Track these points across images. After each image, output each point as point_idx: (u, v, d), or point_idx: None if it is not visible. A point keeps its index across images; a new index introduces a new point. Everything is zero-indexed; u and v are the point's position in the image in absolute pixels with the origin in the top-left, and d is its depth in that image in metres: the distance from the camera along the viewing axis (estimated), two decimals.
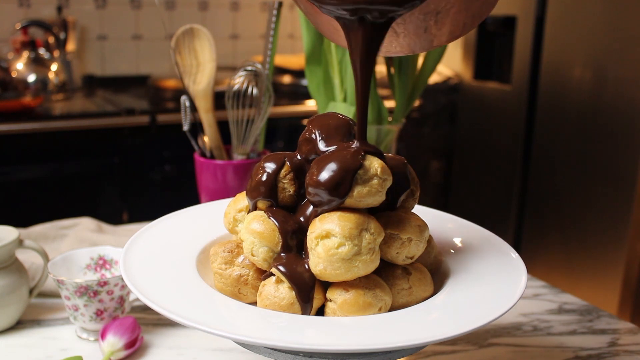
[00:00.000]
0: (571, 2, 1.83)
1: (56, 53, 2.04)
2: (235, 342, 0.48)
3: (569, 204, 1.89)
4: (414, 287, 0.54)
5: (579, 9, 1.80)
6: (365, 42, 0.50)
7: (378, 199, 0.50)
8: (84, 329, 0.73)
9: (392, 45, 0.58)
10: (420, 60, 0.92)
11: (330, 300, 0.51)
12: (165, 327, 0.76)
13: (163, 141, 1.82)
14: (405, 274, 0.54)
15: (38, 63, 1.98)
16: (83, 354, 0.69)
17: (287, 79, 2.15)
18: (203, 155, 0.93)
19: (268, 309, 0.50)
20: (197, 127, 0.93)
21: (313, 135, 0.54)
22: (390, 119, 0.91)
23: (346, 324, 0.48)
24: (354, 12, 0.48)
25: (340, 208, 0.51)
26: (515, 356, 0.73)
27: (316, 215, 0.51)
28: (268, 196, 0.54)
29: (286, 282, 0.51)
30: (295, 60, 2.20)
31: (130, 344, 0.69)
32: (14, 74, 1.95)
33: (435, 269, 0.59)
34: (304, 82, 2.03)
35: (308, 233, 0.51)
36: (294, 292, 0.50)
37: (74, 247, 0.91)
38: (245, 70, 0.90)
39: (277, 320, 0.48)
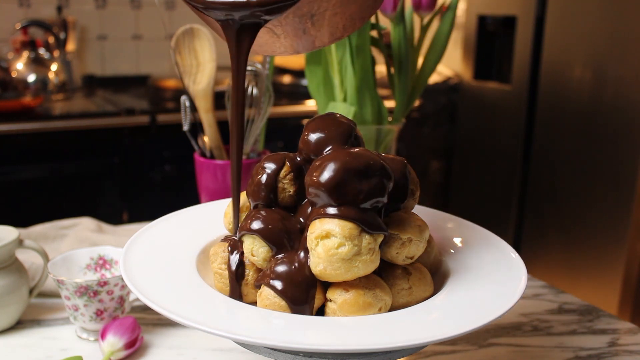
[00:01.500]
0: (571, 2, 1.83)
1: (56, 53, 2.04)
2: (235, 342, 0.48)
3: (569, 204, 1.89)
4: (414, 287, 0.54)
5: (579, 9, 1.80)
6: (238, 40, 0.55)
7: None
8: (84, 329, 0.73)
9: (276, 45, 0.60)
10: (420, 60, 0.92)
11: (330, 300, 0.51)
12: (165, 327, 0.76)
13: (163, 141, 1.82)
14: (405, 274, 0.54)
15: (38, 63, 1.98)
16: (83, 354, 0.69)
17: (287, 79, 2.15)
18: (203, 155, 0.93)
19: (268, 309, 0.51)
20: (197, 127, 0.93)
21: (313, 136, 0.54)
22: (390, 119, 0.91)
23: (346, 324, 0.48)
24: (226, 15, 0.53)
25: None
26: (515, 356, 0.73)
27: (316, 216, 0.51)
28: (268, 196, 0.54)
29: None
30: (295, 60, 2.20)
31: (130, 344, 0.69)
32: (14, 74, 1.95)
33: (435, 269, 0.59)
34: (304, 82, 2.03)
35: (308, 233, 0.51)
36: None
37: (74, 247, 0.91)
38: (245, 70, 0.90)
39: (277, 320, 0.48)
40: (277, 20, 0.53)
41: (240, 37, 0.54)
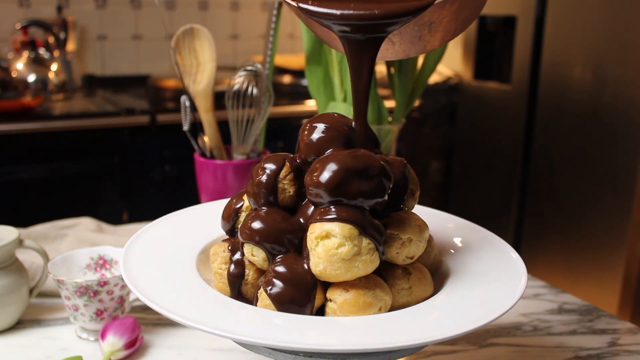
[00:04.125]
0: (571, 2, 1.83)
1: (56, 53, 2.04)
2: (235, 342, 0.48)
3: (569, 204, 1.89)
4: (414, 287, 0.54)
5: (579, 9, 1.80)
6: (363, 53, 0.54)
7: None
8: (84, 329, 0.73)
9: (388, 52, 0.61)
10: (420, 60, 0.92)
11: (330, 300, 0.51)
12: (165, 327, 0.76)
13: (163, 141, 1.82)
14: (405, 274, 0.54)
15: (38, 63, 1.98)
16: (83, 354, 0.69)
17: (287, 79, 2.15)
18: (203, 155, 0.93)
19: (268, 309, 0.51)
20: (197, 127, 0.93)
21: (313, 137, 0.54)
22: (390, 119, 0.91)
23: (346, 324, 0.48)
24: (356, 30, 0.52)
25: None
26: (515, 356, 0.73)
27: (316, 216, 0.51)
28: (268, 197, 0.54)
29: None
30: (295, 60, 2.20)
31: (130, 344, 0.69)
32: (14, 74, 1.95)
33: (435, 269, 0.59)
34: (304, 82, 2.03)
35: (308, 233, 0.51)
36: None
37: (74, 247, 0.91)
38: (245, 70, 0.90)
39: (277, 320, 0.48)
40: (397, 29, 0.54)
41: (363, 51, 0.54)
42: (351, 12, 0.51)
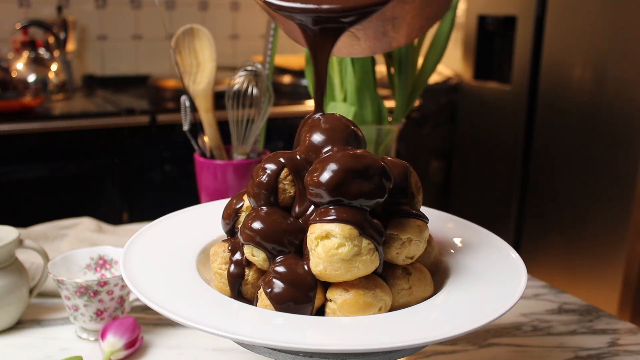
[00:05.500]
0: (571, 2, 1.83)
1: (56, 53, 2.04)
2: (235, 342, 0.48)
3: (569, 204, 1.89)
4: (414, 287, 0.54)
5: (579, 9, 1.80)
6: (321, 44, 0.57)
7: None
8: (84, 329, 0.73)
9: (354, 47, 0.61)
10: (420, 60, 0.92)
11: (330, 300, 0.51)
12: (165, 327, 0.76)
13: (163, 141, 1.82)
14: (405, 274, 0.54)
15: (38, 63, 1.98)
16: (83, 354, 0.69)
17: (287, 79, 2.15)
18: (203, 155, 0.93)
19: (268, 309, 0.51)
20: (197, 127, 0.93)
21: (314, 137, 0.54)
22: (390, 119, 0.91)
23: (346, 324, 0.48)
24: (315, 22, 0.55)
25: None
26: (515, 356, 0.73)
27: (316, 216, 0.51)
28: (268, 197, 0.54)
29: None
30: (295, 60, 2.20)
31: (130, 344, 0.69)
32: (14, 74, 1.95)
33: (435, 269, 0.59)
34: (304, 82, 2.03)
35: (308, 234, 0.51)
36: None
37: (74, 247, 0.91)
38: (245, 70, 0.90)
39: (277, 320, 0.48)
40: (360, 24, 0.55)
41: (322, 41, 0.56)
42: (307, 5, 0.54)
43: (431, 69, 0.91)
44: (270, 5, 0.55)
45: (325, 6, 0.53)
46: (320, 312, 0.53)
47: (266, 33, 0.94)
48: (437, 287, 0.56)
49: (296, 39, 0.63)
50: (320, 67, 0.58)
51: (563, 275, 1.92)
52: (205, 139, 0.93)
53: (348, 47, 0.61)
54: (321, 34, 0.56)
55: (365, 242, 0.49)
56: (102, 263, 0.79)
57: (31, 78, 1.96)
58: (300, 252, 0.53)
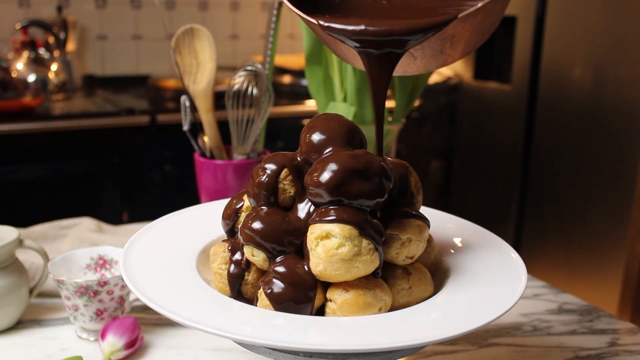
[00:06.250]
0: (571, 2, 1.83)
1: (56, 53, 2.04)
2: (235, 342, 0.48)
3: (569, 204, 1.89)
4: (414, 287, 0.54)
5: (579, 9, 1.80)
6: (383, 68, 0.55)
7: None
8: (84, 329, 0.73)
9: (410, 66, 0.61)
10: None
11: (330, 300, 0.51)
12: (165, 327, 0.76)
13: (163, 141, 1.82)
14: (405, 274, 0.54)
15: (38, 63, 1.98)
16: (83, 354, 0.69)
17: (287, 79, 2.15)
18: (203, 155, 0.93)
19: (268, 309, 0.51)
20: (197, 127, 0.93)
21: (314, 137, 0.54)
22: (390, 119, 0.91)
23: (346, 324, 0.48)
24: (379, 47, 0.53)
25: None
26: (515, 356, 0.73)
27: (316, 216, 0.51)
28: (269, 197, 0.54)
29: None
30: (295, 60, 2.20)
31: (130, 344, 0.69)
32: (14, 74, 1.95)
33: (435, 269, 0.59)
34: (304, 82, 2.03)
35: (308, 234, 0.51)
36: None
37: (74, 247, 0.91)
38: (245, 70, 0.90)
39: (277, 321, 0.48)
40: (420, 44, 0.54)
41: (381, 66, 0.55)
42: (373, 28, 0.52)
43: None
44: (330, 29, 0.53)
45: (396, 27, 0.51)
46: (320, 312, 0.53)
47: (266, 33, 0.94)
48: (437, 287, 0.56)
49: (349, 61, 0.62)
50: (379, 94, 0.56)
51: (563, 275, 1.92)
52: (205, 139, 0.93)
53: (404, 66, 0.60)
54: (383, 59, 0.54)
55: (365, 242, 0.49)
56: (102, 263, 0.79)
57: (31, 78, 1.96)
58: (301, 252, 0.53)
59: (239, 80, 0.90)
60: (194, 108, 0.93)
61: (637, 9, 1.66)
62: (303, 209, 0.54)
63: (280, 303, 0.50)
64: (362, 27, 0.52)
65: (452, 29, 0.53)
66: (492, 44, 2.18)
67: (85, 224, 1.00)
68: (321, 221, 0.50)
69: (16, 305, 0.74)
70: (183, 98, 0.90)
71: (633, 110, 1.69)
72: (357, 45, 0.53)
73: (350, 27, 0.52)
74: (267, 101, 0.92)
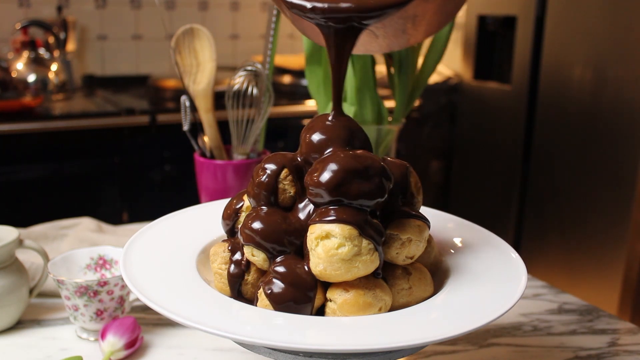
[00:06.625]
0: (571, 2, 1.83)
1: (56, 53, 2.04)
2: (235, 342, 0.48)
3: (569, 204, 1.89)
4: (414, 287, 0.54)
5: (579, 9, 1.80)
6: (342, 44, 0.55)
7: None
8: (84, 329, 0.73)
9: (372, 45, 0.61)
10: (420, 60, 0.92)
11: (330, 300, 0.51)
12: (165, 327, 0.76)
13: (163, 141, 1.82)
14: (405, 274, 0.54)
15: (38, 63, 1.98)
16: (83, 354, 0.69)
17: (287, 79, 2.15)
18: (203, 155, 0.93)
19: (268, 309, 0.51)
20: (197, 127, 0.93)
21: (314, 137, 0.54)
22: (390, 119, 0.91)
23: (346, 324, 0.48)
24: (339, 22, 0.53)
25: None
26: (515, 356, 0.73)
27: (316, 216, 0.51)
28: (269, 197, 0.54)
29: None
30: (295, 60, 2.20)
31: (130, 344, 0.69)
32: (14, 74, 1.95)
33: (435, 269, 0.59)
34: (304, 82, 2.02)
35: (308, 234, 0.51)
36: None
37: (74, 247, 0.91)
38: (245, 70, 0.90)
39: (277, 321, 0.48)
40: (381, 22, 0.54)
41: (341, 41, 0.55)
42: (333, 5, 0.52)
43: (431, 69, 0.91)
44: (287, 4, 0.54)
45: (344, 5, 0.52)
46: (320, 312, 0.53)
47: (266, 33, 0.94)
48: (437, 287, 0.56)
49: (311, 37, 0.62)
50: (339, 69, 0.57)
51: (563, 275, 1.92)
52: (205, 139, 0.93)
53: (366, 44, 0.60)
54: (341, 35, 0.55)
55: (365, 242, 0.49)
56: (102, 263, 0.79)
57: (31, 78, 1.96)
58: (301, 252, 0.53)
59: (239, 80, 0.90)
60: (194, 108, 0.93)
61: (637, 9, 1.66)
62: (303, 209, 0.54)
63: (280, 303, 0.50)
64: (319, 4, 0.53)
65: (413, 9, 0.53)
66: (492, 44, 2.18)
67: (85, 224, 1.00)
68: (321, 221, 0.50)
69: (16, 305, 0.74)
70: (183, 98, 0.90)
71: (633, 110, 1.69)
72: (313, 20, 0.54)
73: (309, 3, 0.53)
74: (267, 101, 0.92)
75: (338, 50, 0.55)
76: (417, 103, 2.15)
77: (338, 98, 0.57)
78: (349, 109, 0.88)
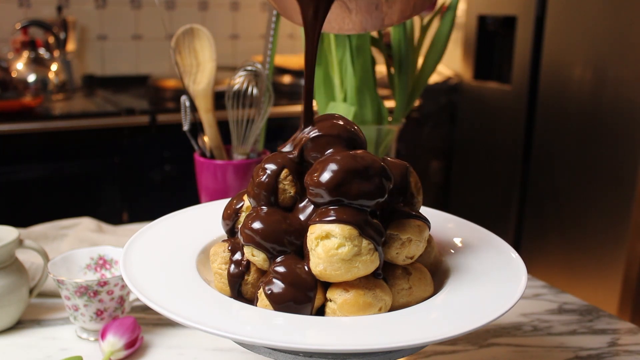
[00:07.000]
0: (571, 2, 1.83)
1: (56, 53, 2.04)
2: (235, 342, 0.48)
3: (569, 204, 1.89)
4: (414, 287, 0.54)
5: (579, 9, 1.80)
6: (314, 10, 0.55)
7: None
8: (84, 329, 0.73)
9: (345, 22, 0.60)
10: (420, 60, 0.92)
11: (330, 300, 0.51)
12: (165, 327, 0.76)
13: (163, 141, 1.82)
14: (405, 274, 0.54)
15: (38, 63, 1.98)
16: (83, 354, 0.69)
17: (287, 79, 2.15)
18: (203, 155, 0.93)
19: (268, 309, 0.51)
20: (197, 127, 0.93)
21: (314, 137, 0.54)
22: (390, 119, 0.91)
23: (346, 324, 0.48)
24: None
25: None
26: (515, 356, 0.73)
27: (316, 216, 0.51)
28: (269, 197, 0.54)
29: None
30: (295, 60, 2.20)
31: (130, 344, 0.69)
32: (14, 74, 1.95)
33: (435, 269, 0.59)
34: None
35: (308, 234, 0.51)
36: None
37: (74, 247, 0.91)
38: (245, 70, 0.90)
39: (277, 320, 0.48)
40: None
41: (315, 6, 0.54)
42: None
43: (431, 69, 0.91)
44: None
45: None
46: (320, 312, 0.53)
47: (266, 33, 0.94)
48: (437, 287, 0.56)
49: (292, 18, 0.62)
50: (312, 37, 0.56)
51: (563, 275, 1.92)
52: (205, 139, 0.93)
53: (339, 20, 0.59)
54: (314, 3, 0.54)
55: (365, 242, 0.49)
56: (102, 263, 0.79)
57: (31, 78, 1.96)
58: (301, 252, 0.53)
59: (239, 80, 0.90)
60: (194, 108, 0.93)
61: (637, 9, 1.66)
62: (303, 209, 0.54)
63: (280, 303, 0.50)
64: None
65: None
66: (492, 44, 2.18)
67: (85, 224, 1.00)
68: (321, 221, 0.50)
69: (16, 305, 0.74)
70: (183, 98, 0.90)
71: (633, 110, 1.69)
72: None
73: None
74: (267, 101, 0.92)
75: (313, 15, 0.55)
76: (417, 103, 2.15)
77: (311, 69, 0.57)
78: (349, 109, 0.88)
